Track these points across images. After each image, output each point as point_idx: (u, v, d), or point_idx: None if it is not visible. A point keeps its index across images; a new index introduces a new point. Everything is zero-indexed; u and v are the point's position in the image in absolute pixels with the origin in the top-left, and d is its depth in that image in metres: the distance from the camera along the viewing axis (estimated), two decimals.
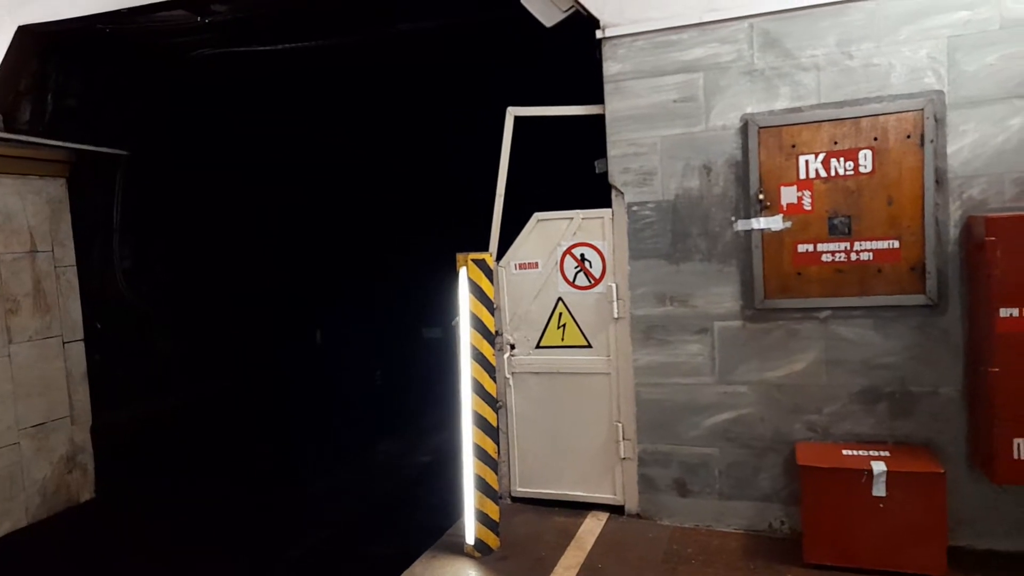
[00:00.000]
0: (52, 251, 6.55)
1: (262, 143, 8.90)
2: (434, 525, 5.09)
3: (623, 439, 4.89)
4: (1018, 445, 3.70)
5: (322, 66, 7.59)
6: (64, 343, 6.63)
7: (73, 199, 6.77)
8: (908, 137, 4.09)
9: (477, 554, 4.41)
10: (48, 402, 6.43)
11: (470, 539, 4.42)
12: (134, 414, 7.33)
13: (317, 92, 8.55)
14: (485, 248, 4.92)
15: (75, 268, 6.78)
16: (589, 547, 4.43)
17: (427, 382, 9.41)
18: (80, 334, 6.78)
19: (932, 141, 4.04)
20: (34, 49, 6.23)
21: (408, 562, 4.39)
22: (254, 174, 8.99)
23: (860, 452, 4.11)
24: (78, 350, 6.77)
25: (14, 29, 5.89)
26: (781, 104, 4.34)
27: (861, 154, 4.18)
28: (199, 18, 6.22)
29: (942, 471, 3.84)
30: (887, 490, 3.87)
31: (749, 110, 4.39)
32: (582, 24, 4.73)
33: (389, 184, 10.74)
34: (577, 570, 4.14)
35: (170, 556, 5.81)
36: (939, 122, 4.04)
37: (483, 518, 4.41)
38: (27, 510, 6.22)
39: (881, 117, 4.12)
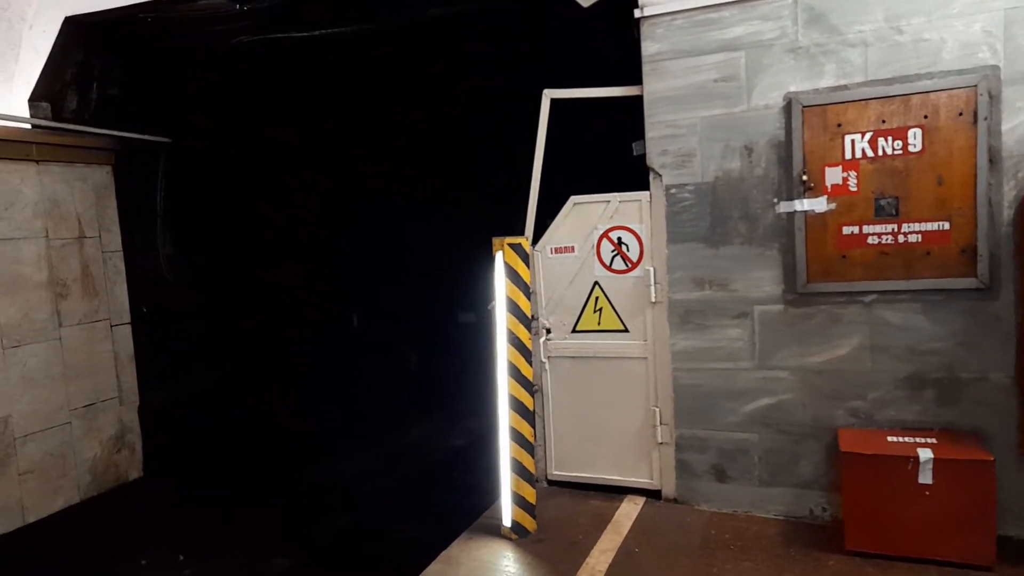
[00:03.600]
0: (99, 237, 6.72)
1: (298, 127, 8.99)
2: (470, 507, 5.13)
3: (660, 424, 4.86)
4: None
5: (358, 51, 7.62)
6: (112, 326, 6.81)
7: (118, 186, 6.92)
8: (960, 115, 3.94)
9: (514, 536, 4.44)
10: (97, 383, 6.63)
11: (507, 521, 4.46)
12: (178, 395, 7.51)
13: (353, 76, 8.58)
14: (521, 232, 4.91)
15: (121, 253, 6.94)
16: (625, 531, 4.43)
17: (462, 366, 9.46)
18: (127, 317, 6.96)
19: (986, 118, 3.90)
20: (79, 39, 6.36)
21: (445, 544, 4.44)
22: (290, 158, 9.10)
23: (906, 439, 4.02)
24: (125, 333, 6.95)
25: (61, 20, 6.01)
26: (826, 82, 4.22)
27: (910, 133, 4.05)
28: (237, 5, 6.28)
29: (992, 458, 3.73)
30: (934, 478, 3.78)
31: (793, 89, 4.29)
32: (620, 3, 4.65)
33: (427, 168, 10.76)
34: (613, 553, 4.14)
35: (211, 532, 5.98)
36: (993, 99, 3.89)
37: (519, 501, 4.44)
38: (79, 487, 6.44)
39: (932, 94, 3.99)
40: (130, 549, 5.88)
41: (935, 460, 3.78)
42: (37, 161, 6.12)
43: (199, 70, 7.60)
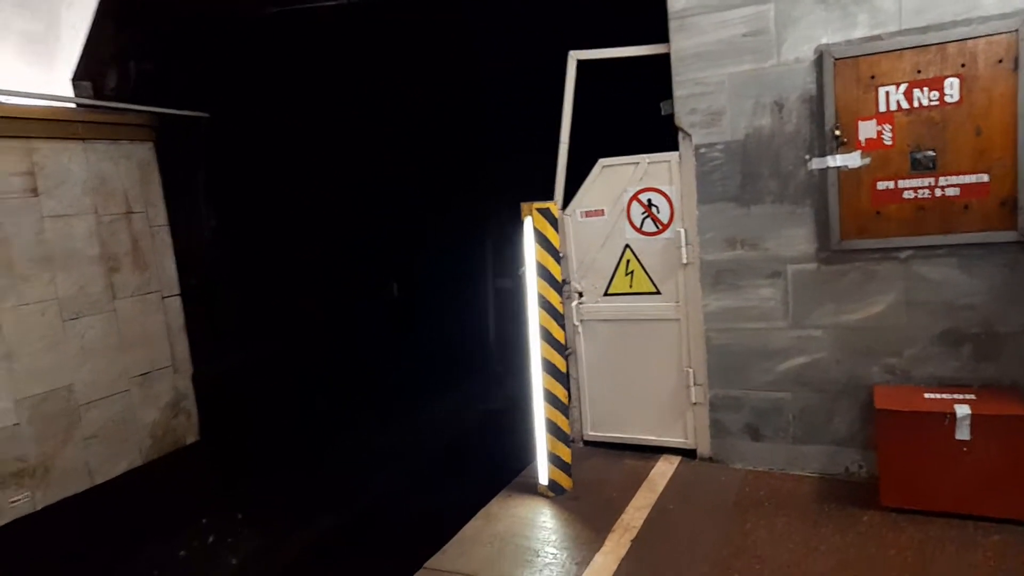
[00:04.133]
0: (146, 212, 6.95)
1: (336, 100, 9.06)
2: (508, 468, 5.27)
3: (694, 384, 4.90)
4: None
5: (387, 18, 7.61)
6: (163, 298, 7.09)
7: (160, 162, 7.12)
8: (1000, 62, 3.80)
9: (550, 494, 4.57)
10: (151, 353, 6.93)
11: (543, 480, 4.59)
12: (228, 365, 7.81)
13: (385, 45, 8.58)
14: (551, 196, 4.93)
15: (167, 228, 7.18)
16: (660, 489, 4.52)
17: (499, 331, 9.60)
18: (176, 289, 7.23)
19: None
20: (115, 15, 6.49)
21: (485, 501, 4.60)
22: (329, 131, 9.19)
23: (943, 395, 3.99)
24: (175, 304, 7.23)
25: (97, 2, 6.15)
26: (859, 33, 4.09)
27: (947, 83, 3.92)
28: None
29: None
30: (971, 434, 3.76)
31: (824, 41, 4.17)
32: None
33: (461, 135, 10.75)
34: (648, 511, 4.24)
35: (264, 493, 6.29)
36: None
37: (555, 460, 4.56)
38: (140, 451, 6.79)
39: (970, 41, 3.84)
40: (192, 509, 6.23)
41: (973, 416, 3.75)
42: (83, 139, 6.34)
43: (232, 42, 7.68)
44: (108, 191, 6.58)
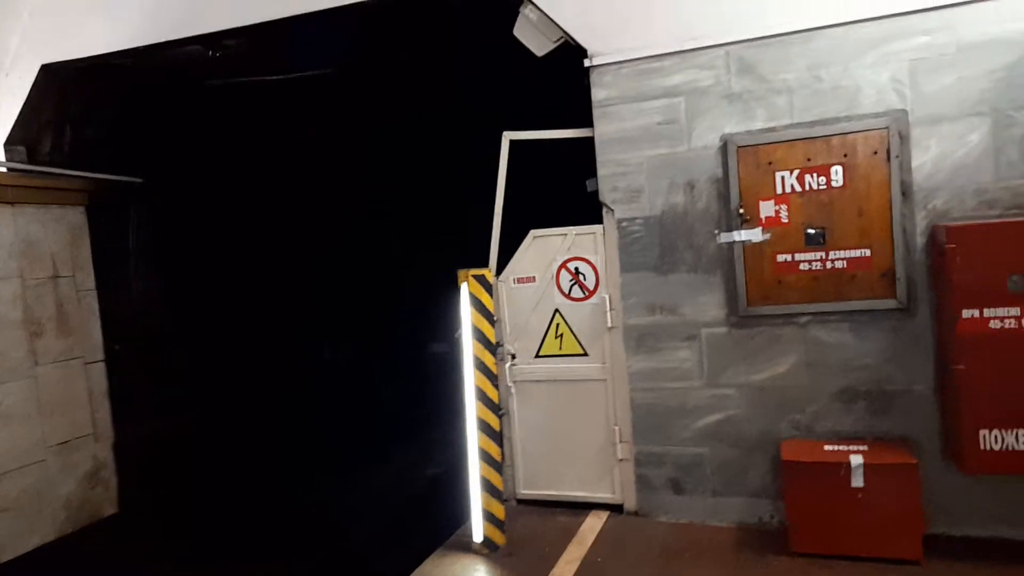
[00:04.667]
0: (73, 276, 6.87)
1: (271, 167, 9.24)
2: (441, 529, 5.34)
3: (620, 441, 5.18)
4: (983, 436, 3.99)
5: (328, 92, 7.95)
6: (86, 364, 6.93)
7: (92, 225, 7.09)
8: (875, 153, 4.40)
9: (485, 551, 4.69)
10: (72, 420, 6.73)
11: (478, 537, 4.71)
12: (152, 431, 7.61)
13: (324, 116, 8.90)
14: (485, 264, 5.23)
15: (95, 292, 7.09)
16: (589, 543, 4.71)
17: (434, 396, 9.68)
18: (101, 355, 7.09)
19: (897, 156, 4.36)
20: (55, 85, 6.58)
21: (420, 561, 4.67)
22: (263, 197, 9.33)
23: (840, 447, 4.39)
24: (99, 370, 7.08)
25: (38, 67, 6.23)
26: (758, 124, 4.65)
27: (832, 169, 4.49)
28: (211, 52, 6.57)
29: (915, 462, 4.12)
30: (864, 481, 4.15)
31: (728, 130, 4.72)
32: (571, 53, 5.06)
33: (394, 204, 11.06)
34: (578, 564, 4.42)
35: (186, 566, 6.07)
36: (903, 139, 4.35)
37: (489, 517, 4.70)
38: (54, 524, 6.50)
39: (850, 135, 4.44)
40: None
41: (865, 465, 4.16)
42: (12, 203, 6.29)
43: (171, 113, 7.83)
44: (35, 255, 6.50)
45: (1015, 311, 3.88)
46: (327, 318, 10.73)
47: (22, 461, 6.20)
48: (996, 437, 3.98)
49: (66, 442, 6.65)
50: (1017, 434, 3.94)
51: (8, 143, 6.42)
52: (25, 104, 6.35)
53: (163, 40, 5.94)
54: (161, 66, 6.78)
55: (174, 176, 7.98)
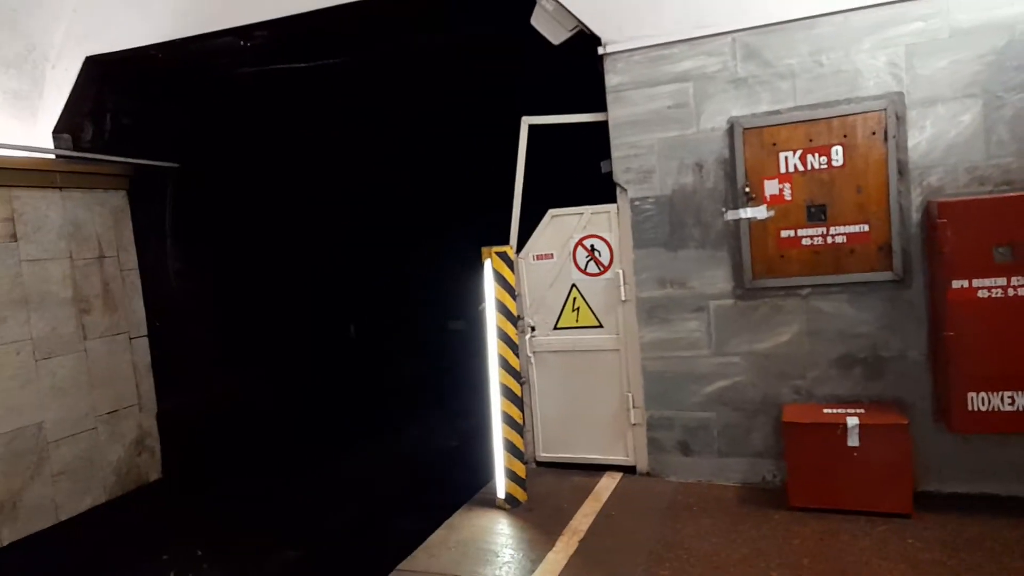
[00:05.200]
0: (117, 256, 7.30)
1: (298, 151, 9.61)
2: (465, 492, 5.71)
3: (633, 407, 5.53)
4: (971, 398, 4.29)
5: (354, 79, 8.27)
6: (131, 339, 7.39)
7: (133, 209, 7.51)
8: (873, 134, 4.67)
9: (507, 506, 5.09)
10: (118, 392, 7.19)
11: (501, 494, 5.11)
12: (192, 402, 8.09)
13: (350, 102, 9.23)
14: (507, 242, 5.58)
15: (137, 271, 7.53)
16: (604, 500, 5.09)
17: (453, 371, 10.08)
18: (144, 330, 7.54)
19: (894, 137, 4.62)
20: (97, 76, 6.96)
21: (446, 518, 5.06)
22: (291, 181, 9.71)
23: (838, 410, 4.71)
24: (143, 344, 7.53)
25: (82, 59, 6.61)
26: (762, 108, 4.93)
27: (833, 150, 4.77)
28: (242, 42, 6.91)
29: (906, 422, 4.44)
30: (860, 441, 4.48)
31: (734, 113, 5.00)
32: (586, 41, 5.35)
33: (418, 188, 11.41)
34: (593, 517, 4.80)
35: (225, 528, 6.51)
36: (900, 120, 4.62)
37: (512, 476, 5.09)
38: (105, 488, 6.99)
39: (849, 117, 4.71)
40: (153, 544, 6.41)
41: (860, 426, 4.48)
42: (60, 188, 6.72)
43: (204, 99, 8.20)
44: (83, 236, 6.93)
45: (1001, 281, 4.17)
46: (353, 296, 11.15)
47: (75, 429, 6.68)
48: (983, 399, 4.28)
49: (114, 412, 7.13)
50: (1003, 396, 4.24)
51: (55, 131, 6.82)
52: (71, 95, 6.74)
53: (196, 33, 6.30)
54: (195, 55, 7.13)
55: (209, 161, 8.38)
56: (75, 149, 6.95)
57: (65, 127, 6.91)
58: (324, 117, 9.59)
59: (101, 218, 7.16)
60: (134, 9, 6.40)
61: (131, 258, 7.48)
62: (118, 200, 7.39)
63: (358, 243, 11.19)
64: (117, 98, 7.40)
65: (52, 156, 6.72)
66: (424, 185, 11.17)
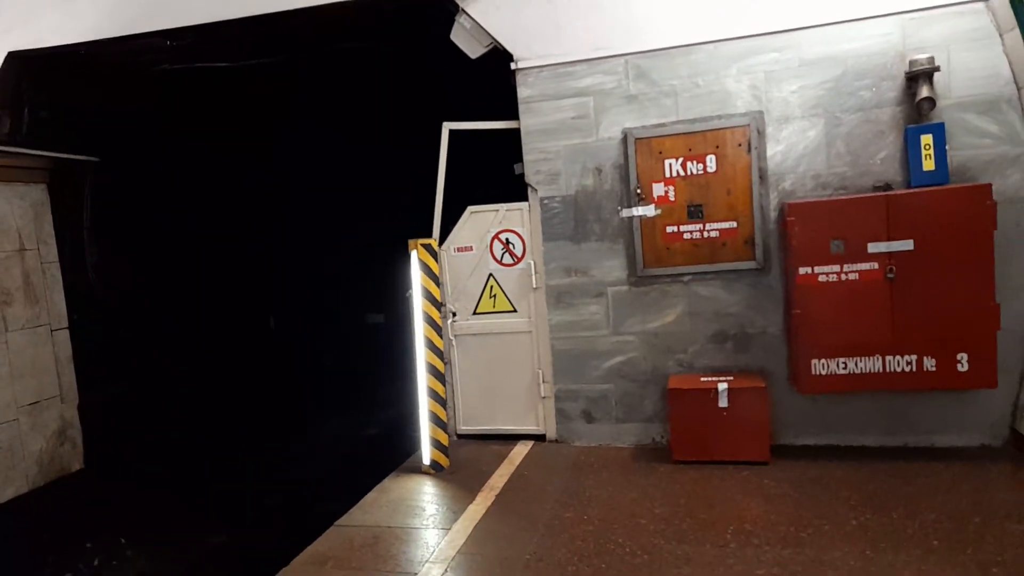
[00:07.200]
0: (38, 249, 7.38)
1: (218, 146, 9.79)
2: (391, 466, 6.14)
3: (543, 382, 6.25)
4: (814, 364, 5.25)
5: (275, 78, 8.59)
6: (52, 331, 7.47)
7: (53, 202, 7.58)
8: (740, 145, 5.57)
9: (432, 471, 5.69)
10: (40, 383, 7.27)
11: (426, 460, 5.70)
12: (113, 393, 8.19)
13: (272, 100, 9.51)
14: (430, 235, 6.17)
15: (58, 264, 7.60)
16: (518, 463, 5.78)
17: (372, 363, 10.46)
18: (65, 322, 7.63)
19: (756, 148, 5.54)
20: (16, 69, 7.01)
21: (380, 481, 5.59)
22: (211, 174, 9.87)
23: (712, 378, 5.58)
24: (64, 337, 7.62)
25: (4, 54, 6.68)
26: (651, 120, 5.75)
27: (708, 158, 5.64)
28: (168, 42, 7.13)
29: (764, 386, 5.36)
30: (729, 402, 5.36)
31: (628, 125, 5.79)
32: (500, 57, 6.01)
33: (337, 185, 11.69)
34: (508, 477, 5.47)
35: (148, 516, 6.62)
36: (760, 134, 5.53)
37: (436, 444, 5.69)
38: (27, 478, 7.07)
39: (721, 131, 5.59)
40: (77, 533, 6.50)
41: (729, 390, 5.36)
42: None
43: (125, 94, 8.30)
44: (2, 230, 6.99)
45: (835, 268, 5.14)
46: (272, 289, 11.37)
47: None
48: (824, 364, 5.24)
49: (36, 403, 7.21)
50: (838, 361, 5.22)
51: None
52: None
53: (125, 34, 6.50)
54: (118, 53, 7.27)
55: (129, 154, 8.47)
56: None
57: None
58: (247, 113, 9.81)
59: (21, 211, 7.22)
60: (60, 6, 6.53)
61: (51, 251, 7.56)
62: (38, 194, 7.45)
63: (277, 237, 11.42)
64: (36, 92, 7.43)
65: None
66: (343, 182, 11.52)
